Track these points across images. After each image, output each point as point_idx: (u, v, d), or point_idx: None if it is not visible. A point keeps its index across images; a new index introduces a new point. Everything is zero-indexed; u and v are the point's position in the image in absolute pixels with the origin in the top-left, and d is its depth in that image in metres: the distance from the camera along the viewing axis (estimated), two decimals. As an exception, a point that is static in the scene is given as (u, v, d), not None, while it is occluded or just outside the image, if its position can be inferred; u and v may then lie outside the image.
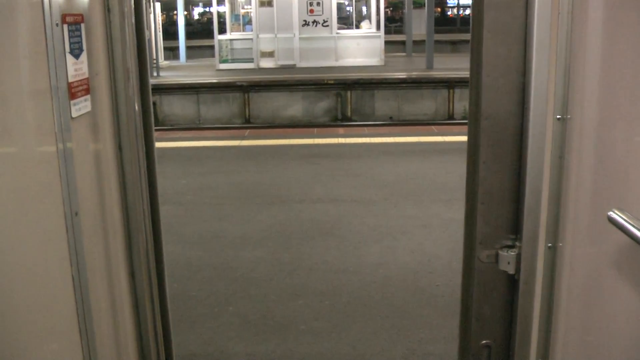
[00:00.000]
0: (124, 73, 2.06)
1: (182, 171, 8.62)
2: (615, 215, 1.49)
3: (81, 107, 1.88)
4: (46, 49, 1.68)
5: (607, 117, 1.73)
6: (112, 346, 2.12)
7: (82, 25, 1.89)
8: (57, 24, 1.72)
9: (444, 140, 10.42)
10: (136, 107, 2.14)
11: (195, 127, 15.14)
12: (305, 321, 4.46)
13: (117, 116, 2.09)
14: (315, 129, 13.06)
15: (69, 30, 1.80)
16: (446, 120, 15.06)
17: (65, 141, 1.75)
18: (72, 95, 1.81)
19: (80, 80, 1.87)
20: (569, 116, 1.83)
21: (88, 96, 1.93)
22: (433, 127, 12.98)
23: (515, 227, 2.05)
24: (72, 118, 1.81)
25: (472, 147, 2.08)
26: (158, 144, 2.31)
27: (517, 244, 2.04)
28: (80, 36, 1.88)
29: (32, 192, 1.66)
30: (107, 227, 2.08)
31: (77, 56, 1.85)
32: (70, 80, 1.80)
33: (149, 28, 17.09)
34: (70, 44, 1.81)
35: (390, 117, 15.41)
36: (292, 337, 4.25)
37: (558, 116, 1.85)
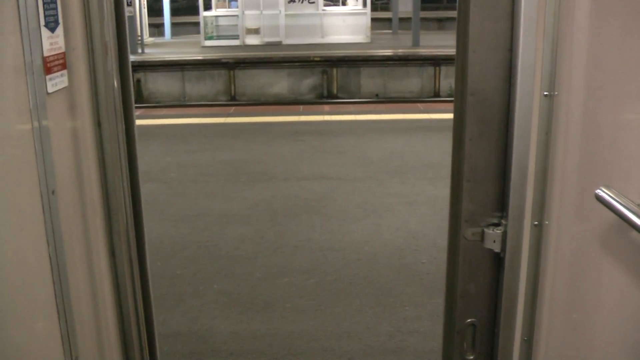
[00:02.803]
0: (102, 47, 2.01)
1: (167, 149, 8.56)
2: (603, 192, 1.47)
3: (57, 82, 1.82)
4: (19, 22, 1.62)
5: (594, 93, 1.70)
6: (92, 326, 2.09)
7: None
8: None
9: (429, 118, 10.40)
10: (115, 83, 2.08)
11: (180, 104, 15.02)
12: (290, 299, 4.45)
13: (96, 92, 2.03)
14: (301, 107, 12.99)
15: (44, 3, 1.75)
16: (432, 97, 15.04)
17: (40, 117, 1.70)
18: (48, 70, 1.76)
19: (56, 55, 1.81)
20: (556, 92, 1.80)
21: (65, 71, 1.87)
22: (419, 104, 12.95)
23: (501, 205, 2.03)
24: (48, 94, 1.76)
25: (458, 124, 2.05)
26: (143, 122, 2.27)
27: (503, 222, 2.02)
28: (56, 9, 1.82)
29: (6, 170, 1.61)
30: (85, 206, 2.04)
31: (52, 29, 1.80)
32: (45, 54, 1.75)
33: (133, 4, 16.89)
34: (46, 16, 1.75)
35: (376, 95, 15.37)
36: (277, 315, 4.24)
37: (545, 92, 1.82)
